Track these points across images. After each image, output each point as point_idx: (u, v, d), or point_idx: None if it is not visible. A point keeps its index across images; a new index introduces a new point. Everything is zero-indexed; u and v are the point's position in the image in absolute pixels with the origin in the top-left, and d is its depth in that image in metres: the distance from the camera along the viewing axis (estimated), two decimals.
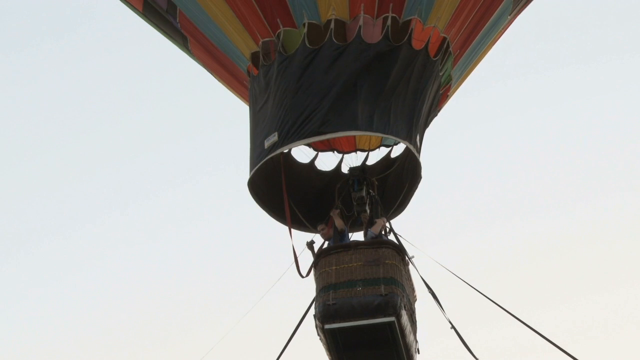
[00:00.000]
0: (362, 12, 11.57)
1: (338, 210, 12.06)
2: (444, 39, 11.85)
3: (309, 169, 12.83)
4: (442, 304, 11.84)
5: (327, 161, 12.95)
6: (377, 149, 12.90)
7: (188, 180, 27.83)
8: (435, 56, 11.82)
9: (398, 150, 12.78)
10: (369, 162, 12.86)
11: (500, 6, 12.22)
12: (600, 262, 24.91)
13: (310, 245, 11.88)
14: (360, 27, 11.54)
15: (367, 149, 12.88)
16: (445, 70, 12.17)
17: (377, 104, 11.29)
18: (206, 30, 12.34)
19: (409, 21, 11.56)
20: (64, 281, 27.31)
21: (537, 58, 26.90)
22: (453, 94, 12.80)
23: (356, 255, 11.39)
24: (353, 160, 12.77)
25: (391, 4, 11.53)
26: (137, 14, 13.18)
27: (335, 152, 12.91)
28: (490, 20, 12.25)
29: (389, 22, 11.50)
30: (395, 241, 11.87)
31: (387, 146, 12.87)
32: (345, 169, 12.83)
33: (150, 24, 13.22)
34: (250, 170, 11.77)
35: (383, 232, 11.84)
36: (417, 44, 11.63)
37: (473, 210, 25.34)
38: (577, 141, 26.96)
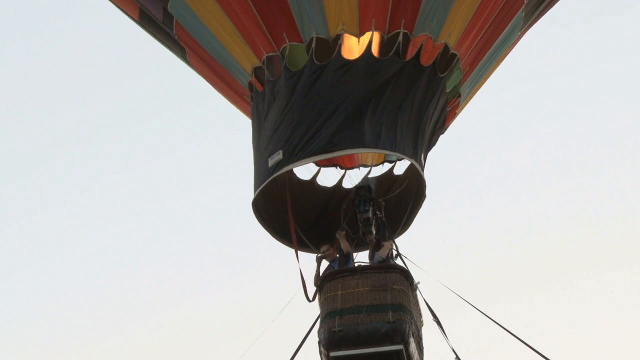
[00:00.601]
0: (373, 28, 11.17)
1: (344, 232, 11.66)
2: (454, 55, 11.49)
3: (310, 185, 12.41)
4: (446, 332, 11.48)
5: (329, 176, 12.56)
6: (381, 165, 12.51)
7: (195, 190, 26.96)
8: (443, 73, 11.47)
9: (401, 165, 12.42)
10: (372, 178, 12.49)
11: (511, 22, 11.90)
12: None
13: (320, 259, 11.50)
14: (370, 43, 11.16)
15: (370, 164, 12.51)
16: (454, 87, 11.82)
17: (383, 121, 10.99)
18: (205, 43, 11.89)
19: (420, 38, 11.21)
20: None
21: (544, 68, 26.48)
22: (461, 110, 12.44)
23: (363, 280, 11.00)
24: (355, 175, 12.41)
25: (403, 20, 11.15)
26: (135, 22, 12.68)
27: (338, 167, 12.50)
28: (500, 37, 11.94)
29: (400, 38, 11.13)
30: (403, 265, 11.48)
31: (390, 162, 12.49)
32: (347, 185, 12.46)
33: (148, 33, 12.73)
34: (255, 190, 11.35)
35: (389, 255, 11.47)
36: (425, 61, 11.30)
37: (477, 227, 24.85)
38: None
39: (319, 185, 12.49)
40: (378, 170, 12.56)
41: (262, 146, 11.36)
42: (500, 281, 24.30)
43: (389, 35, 11.18)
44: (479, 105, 12.99)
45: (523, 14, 12.03)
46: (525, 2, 11.87)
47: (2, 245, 27.68)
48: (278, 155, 11.10)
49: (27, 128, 29.09)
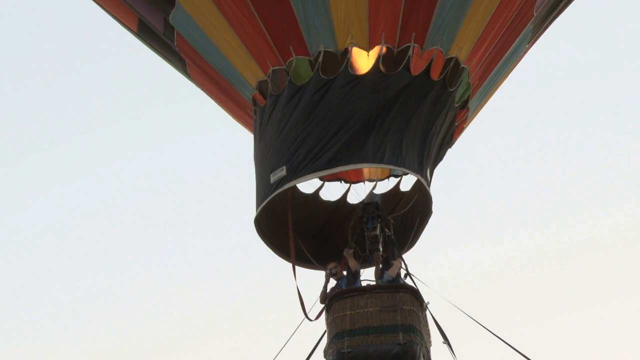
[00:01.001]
0: (383, 41, 10.91)
1: (352, 250, 11.37)
2: (464, 69, 11.27)
3: (313, 199, 12.11)
4: (455, 354, 11.24)
5: (332, 190, 12.27)
6: (386, 180, 12.24)
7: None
8: (452, 87, 11.25)
9: (407, 180, 12.16)
10: (378, 194, 12.21)
11: (520, 35, 11.70)
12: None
13: (329, 275, 11.24)
14: (379, 57, 10.89)
15: (376, 179, 12.23)
16: (463, 101, 11.61)
17: (389, 136, 10.78)
18: (207, 55, 11.56)
19: (430, 52, 10.98)
20: None
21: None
22: (468, 124, 12.23)
23: (372, 300, 10.75)
24: (361, 190, 12.13)
25: (413, 34, 10.90)
26: (132, 34, 12.30)
27: (342, 182, 12.20)
28: (509, 50, 11.74)
29: (410, 52, 10.89)
30: (412, 284, 11.21)
31: (396, 176, 12.22)
32: (352, 199, 12.18)
33: (146, 45, 12.36)
34: (257, 207, 11.06)
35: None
36: (435, 75, 11.08)
37: (488, 245, 24.40)
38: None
39: (322, 199, 12.20)
40: (384, 185, 12.26)
41: (264, 161, 11.08)
42: (512, 302, 23.78)
43: (399, 49, 10.92)
44: (485, 118, 12.75)
45: (531, 27, 11.84)
46: (535, 14, 11.67)
47: None
48: (281, 172, 10.85)
49: None
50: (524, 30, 11.68)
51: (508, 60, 11.90)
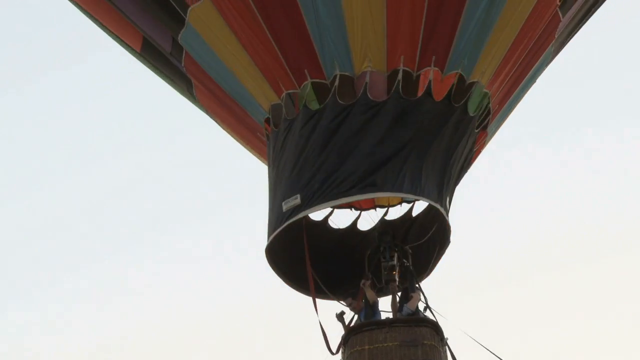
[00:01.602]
0: (401, 65, 10.47)
1: (369, 281, 10.91)
2: (485, 94, 10.88)
3: (322, 226, 11.63)
4: None
5: (341, 217, 11.76)
6: (398, 206, 11.79)
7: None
8: (474, 112, 10.86)
9: (419, 206, 11.69)
10: (389, 220, 11.76)
11: (541, 57, 11.34)
12: None
13: (340, 316, 10.77)
14: (398, 81, 10.45)
15: (387, 205, 11.75)
16: (482, 125, 11.22)
17: (409, 164, 10.37)
18: (217, 77, 11.06)
19: (451, 76, 10.57)
20: None
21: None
22: (484, 148, 11.84)
23: (391, 334, 10.33)
24: (371, 217, 11.67)
25: (434, 57, 10.47)
26: (134, 55, 11.77)
27: (352, 209, 11.72)
28: (529, 73, 11.37)
29: (431, 76, 10.47)
30: (432, 318, 10.78)
31: (407, 202, 11.77)
32: (362, 227, 11.70)
33: (147, 66, 11.85)
34: (269, 236, 10.60)
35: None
36: (456, 100, 10.66)
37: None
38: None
39: (331, 226, 11.72)
40: (395, 211, 11.82)
41: (277, 188, 10.62)
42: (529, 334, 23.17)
43: (418, 72, 10.51)
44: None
45: (552, 49, 11.48)
46: (556, 36, 11.32)
47: None
48: (295, 200, 10.39)
49: None
50: (544, 53, 11.31)
51: (527, 84, 11.55)
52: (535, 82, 11.78)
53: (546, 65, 11.73)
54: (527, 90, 11.76)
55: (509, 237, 23.52)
